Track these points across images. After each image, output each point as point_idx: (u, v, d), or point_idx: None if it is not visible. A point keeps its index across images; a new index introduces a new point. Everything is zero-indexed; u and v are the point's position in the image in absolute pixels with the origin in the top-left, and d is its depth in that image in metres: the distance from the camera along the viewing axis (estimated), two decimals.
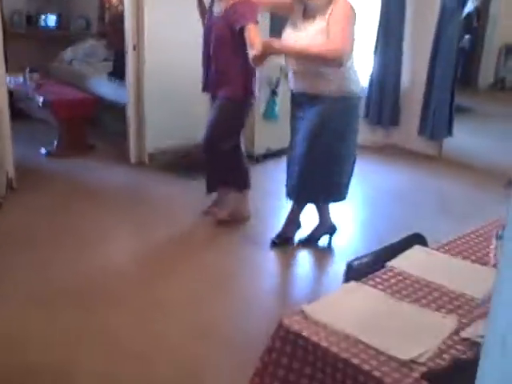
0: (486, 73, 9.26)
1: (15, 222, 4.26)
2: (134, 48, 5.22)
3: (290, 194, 3.90)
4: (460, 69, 6.01)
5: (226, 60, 3.97)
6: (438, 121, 5.75)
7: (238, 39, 3.81)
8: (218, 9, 3.99)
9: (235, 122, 4.16)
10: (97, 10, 7.24)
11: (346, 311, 1.86)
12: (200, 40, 5.37)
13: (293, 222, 4.07)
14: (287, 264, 3.95)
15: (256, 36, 3.69)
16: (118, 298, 3.34)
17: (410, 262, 2.13)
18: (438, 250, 2.26)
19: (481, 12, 9.01)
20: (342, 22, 3.40)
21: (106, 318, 3.12)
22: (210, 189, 4.40)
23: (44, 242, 3.97)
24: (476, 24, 9.07)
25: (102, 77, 6.37)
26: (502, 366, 0.75)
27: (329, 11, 3.44)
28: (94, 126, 5.99)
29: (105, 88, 6.19)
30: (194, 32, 5.37)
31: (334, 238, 4.14)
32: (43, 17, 7.23)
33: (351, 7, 3.47)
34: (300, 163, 3.71)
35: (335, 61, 3.39)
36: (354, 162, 3.88)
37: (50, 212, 4.45)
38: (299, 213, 4.05)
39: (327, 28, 3.41)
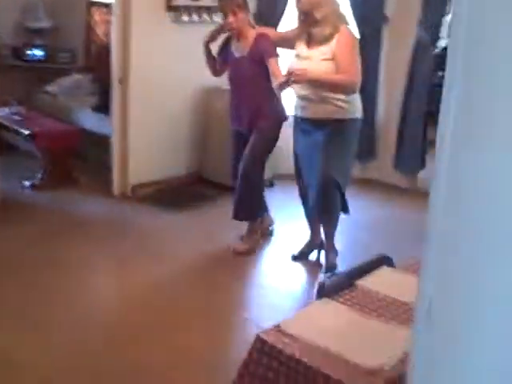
0: None
1: None
2: (120, 82, 5.36)
3: (311, 213, 4.22)
4: (435, 104, 6.22)
5: (261, 94, 4.28)
6: (411, 155, 5.95)
7: (266, 72, 4.14)
8: (238, 50, 4.34)
9: (270, 149, 4.48)
10: (83, 44, 7.40)
11: (317, 325, 2.00)
12: (184, 74, 5.63)
13: (314, 241, 4.41)
14: (277, 286, 4.15)
15: (278, 67, 4.08)
16: (94, 327, 3.46)
17: (377, 280, 2.28)
18: (404, 270, 2.42)
19: None
20: (351, 52, 3.76)
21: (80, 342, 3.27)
22: (239, 216, 4.55)
23: (25, 271, 4.05)
24: None
25: (87, 110, 6.51)
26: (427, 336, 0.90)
27: (334, 39, 3.75)
28: (79, 160, 6.09)
29: (90, 121, 6.32)
30: (179, 66, 5.60)
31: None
32: (30, 50, 7.37)
33: (353, 35, 3.87)
34: (319, 182, 3.95)
35: (352, 89, 3.80)
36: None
37: (32, 243, 4.49)
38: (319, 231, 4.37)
39: (334, 55, 3.72)
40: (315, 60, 3.81)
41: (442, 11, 5.73)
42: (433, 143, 6.39)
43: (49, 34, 7.48)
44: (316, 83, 3.80)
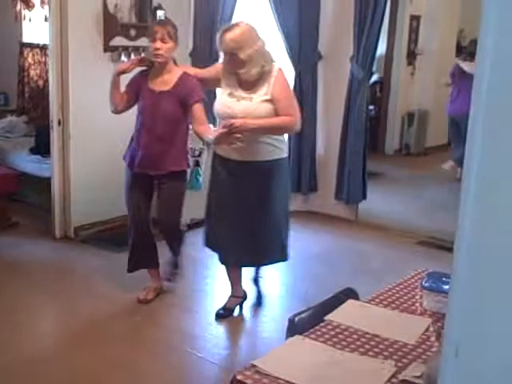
0: (392, 139, 9.84)
1: None
2: (59, 123, 5.28)
3: (236, 260, 4.03)
4: (368, 136, 6.42)
5: (176, 134, 4.03)
6: (352, 186, 6.09)
7: (185, 114, 3.97)
8: (158, 84, 4.01)
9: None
10: (16, 86, 7.27)
11: (293, 363, 2.01)
12: (124, 113, 5.57)
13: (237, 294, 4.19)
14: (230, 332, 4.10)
15: (203, 114, 3.91)
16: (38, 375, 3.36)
17: (345, 314, 2.31)
18: (369, 302, 2.46)
19: (383, 83, 9.65)
20: (289, 93, 3.81)
21: None
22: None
23: None
24: (379, 94, 9.70)
25: (23, 152, 6.37)
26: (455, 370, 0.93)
27: (270, 81, 3.69)
28: (16, 202, 5.95)
29: (27, 163, 6.20)
30: None
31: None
32: None
33: (285, 75, 3.81)
34: (251, 228, 3.88)
35: (295, 129, 3.85)
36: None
37: None
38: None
39: (273, 98, 3.66)
40: (255, 101, 3.69)
41: (373, 48, 5.95)
42: (370, 174, 6.64)
43: None
44: (258, 131, 3.68)
